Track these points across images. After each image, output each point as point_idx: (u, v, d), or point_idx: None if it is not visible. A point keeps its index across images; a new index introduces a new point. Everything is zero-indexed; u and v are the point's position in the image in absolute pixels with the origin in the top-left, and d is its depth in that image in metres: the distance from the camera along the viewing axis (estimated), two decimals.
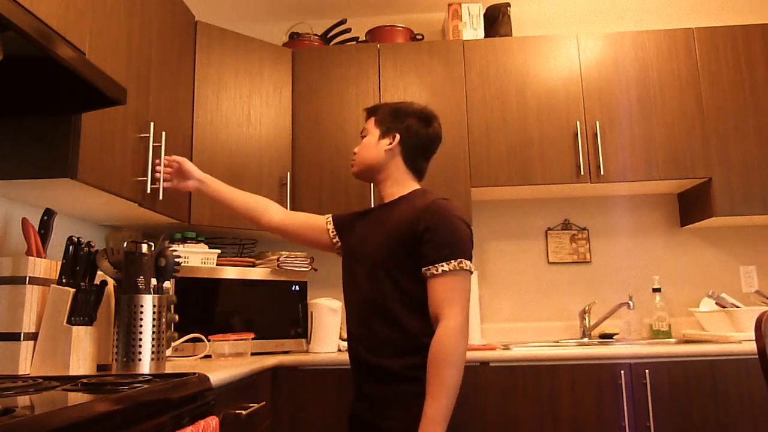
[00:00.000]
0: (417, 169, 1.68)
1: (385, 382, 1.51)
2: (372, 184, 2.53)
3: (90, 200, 1.79)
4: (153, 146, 1.91)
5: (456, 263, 1.45)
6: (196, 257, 2.31)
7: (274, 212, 1.81)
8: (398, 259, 1.51)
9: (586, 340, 2.71)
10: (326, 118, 2.71)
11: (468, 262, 1.48)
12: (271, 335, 2.36)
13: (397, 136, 1.63)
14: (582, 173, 2.60)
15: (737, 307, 2.48)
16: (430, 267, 1.46)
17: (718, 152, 2.59)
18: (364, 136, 1.69)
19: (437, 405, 1.37)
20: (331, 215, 1.79)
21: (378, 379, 1.52)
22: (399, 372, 1.47)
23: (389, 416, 1.47)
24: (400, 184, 1.65)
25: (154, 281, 1.60)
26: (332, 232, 1.75)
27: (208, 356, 2.09)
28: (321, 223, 1.78)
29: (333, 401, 2.14)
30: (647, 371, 2.13)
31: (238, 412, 1.64)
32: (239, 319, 2.31)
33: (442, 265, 1.45)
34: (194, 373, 1.35)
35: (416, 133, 1.64)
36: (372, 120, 1.69)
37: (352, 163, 1.70)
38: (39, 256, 1.60)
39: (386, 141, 1.64)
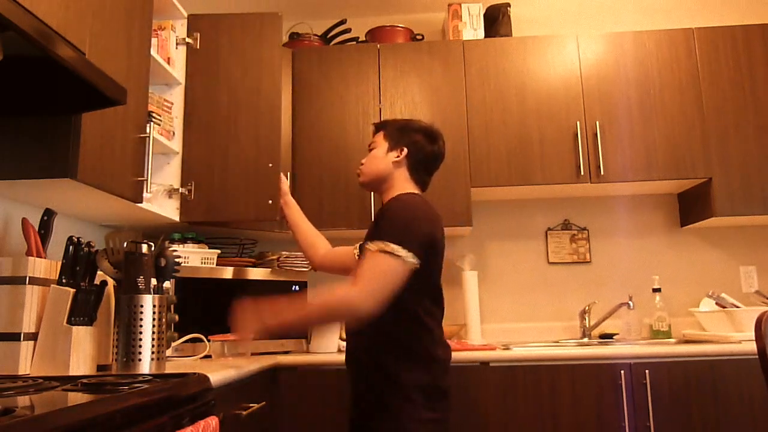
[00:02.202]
0: (420, 181, 1.75)
1: (362, 375, 1.58)
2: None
3: (90, 200, 1.79)
4: None
5: (382, 244, 1.48)
6: (196, 257, 2.30)
7: (320, 247, 2.05)
8: None
9: (586, 340, 2.71)
10: (326, 118, 2.71)
11: (395, 246, 1.47)
12: (271, 335, 2.36)
13: (405, 150, 1.72)
14: (582, 173, 2.60)
15: (737, 307, 2.48)
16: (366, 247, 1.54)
17: (718, 152, 2.59)
18: (372, 149, 1.78)
19: (291, 310, 1.51)
20: (359, 243, 1.91)
21: (358, 372, 1.60)
22: (369, 365, 1.55)
23: (360, 409, 1.56)
24: (402, 192, 1.69)
25: (154, 281, 1.60)
26: (357, 254, 1.89)
27: (208, 356, 2.09)
28: (350, 250, 1.97)
29: (333, 401, 2.14)
30: (647, 371, 2.13)
31: (238, 412, 1.64)
32: None
33: (369, 245, 1.50)
34: (194, 373, 1.35)
35: (422, 148, 1.73)
36: (381, 134, 1.78)
37: (359, 173, 1.80)
38: (39, 256, 1.60)
39: (394, 154, 1.72)
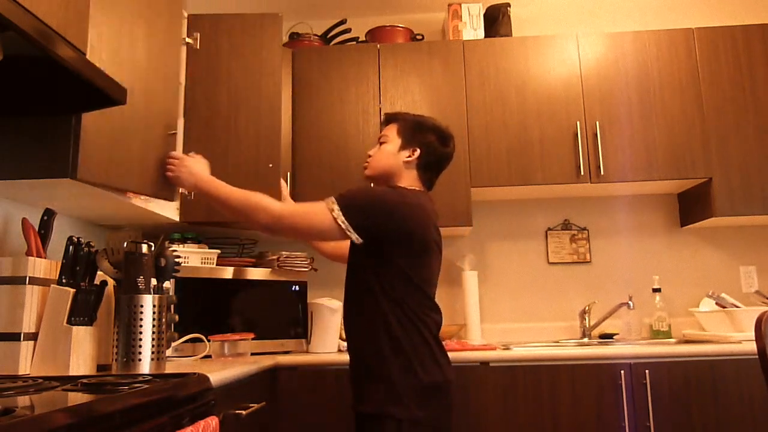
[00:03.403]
0: (427, 181, 1.74)
1: (358, 374, 1.62)
2: None
3: (90, 200, 1.79)
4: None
5: (330, 198, 1.57)
6: (196, 257, 2.30)
7: None
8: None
9: (586, 340, 2.71)
10: (326, 118, 2.71)
11: (334, 205, 1.55)
12: (271, 335, 2.36)
13: (418, 150, 1.70)
14: (582, 173, 2.60)
15: (737, 307, 2.48)
16: None
17: (718, 152, 2.59)
18: (383, 142, 1.74)
19: (222, 184, 1.66)
20: None
21: (355, 370, 1.64)
22: (364, 363, 1.59)
23: (358, 409, 1.59)
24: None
25: (154, 281, 1.60)
26: None
27: (208, 356, 2.09)
28: None
29: (333, 401, 2.14)
30: (647, 371, 2.13)
31: (238, 412, 1.64)
32: (239, 319, 2.31)
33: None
34: (194, 373, 1.35)
35: (435, 150, 1.71)
36: (393, 128, 1.75)
37: (366, 165, 1.77)
38: (39, 256, 1.60)
39: (406, 153, 1.70)
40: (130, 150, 1.68)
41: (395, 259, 1.56)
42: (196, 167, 1.74)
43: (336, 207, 1.54)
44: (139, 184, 1.72)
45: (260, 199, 1.59)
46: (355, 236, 1.53)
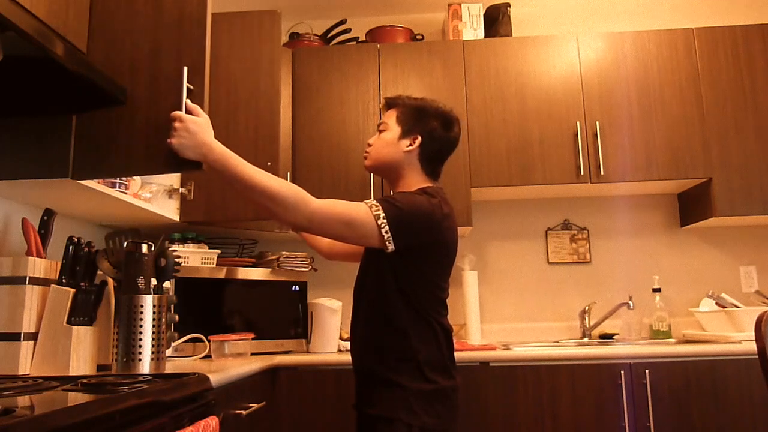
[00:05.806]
0: (432, 172, 1.65)
1: (366, 380, 1.58)
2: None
3: (90, 200, 1.79)
4: None
5: (373, 201, 1.46)
6: (196, 257, 2.30)
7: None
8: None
9: (586, 340, 2.71)
10: (326, 118, 2.71)
11: (380, 212, 1.42)
12: (271, 335, 2.36)
13: (419, 139, 1.60)
14: (582, 173, 2.60)
15: (737, 307, 2.48)
16: None
17: (718, 152, 2.59)
18: (382, 130, 1.65)
19: (243, 163, 1.40)
20: None
21: (362, 376, 1.60)
22: (372, 369, 1.55)
23: (363, 412, 1.56)
24: (413, 186, 1.60)
25: (154, 281, 1.60)
26: None
27: (208, 356, 2.09)
28: None
29: (333, 401, 2.14)
30: (647, 371, 2.13)
31: (238, 412, 1.64)
32: (239, 319, 2.31)
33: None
34: (194, 373, 1.35)
35: (438, 138, 1.61)
36: (393, 114, 1.64)
37: (366, 155, 1.67)
38: (39, 256, 1.60)
39: (406, 141, 1.60)
40: (130, 147, 1.68)
41: (422, 267, 1.51)
42: (200, 136, 1.39)
43: (382, 213, 1.42)
44: (139, 167, 1.52)
45: (299, 190, 1.41)
46: (391, 246, 1.44)
